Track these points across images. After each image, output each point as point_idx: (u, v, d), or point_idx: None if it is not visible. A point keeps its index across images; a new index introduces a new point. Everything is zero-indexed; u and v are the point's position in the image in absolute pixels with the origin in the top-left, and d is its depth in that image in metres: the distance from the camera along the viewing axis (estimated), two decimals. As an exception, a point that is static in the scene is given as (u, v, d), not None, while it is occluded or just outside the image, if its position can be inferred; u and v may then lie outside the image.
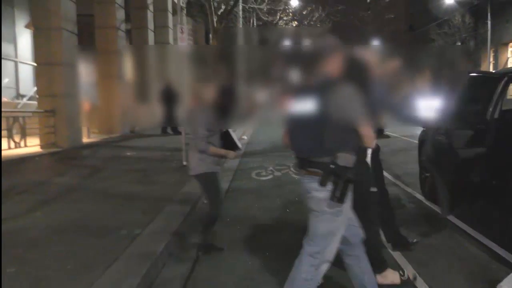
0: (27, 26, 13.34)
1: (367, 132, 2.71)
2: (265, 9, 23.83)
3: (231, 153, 4.35)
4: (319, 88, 2.70)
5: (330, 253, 2.93)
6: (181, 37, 8.58)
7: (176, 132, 14.55)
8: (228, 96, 3.72)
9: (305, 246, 2.94)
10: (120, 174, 7.67)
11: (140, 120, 15.80)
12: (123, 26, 14.16)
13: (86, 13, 13.08)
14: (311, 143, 2.73)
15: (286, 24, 29.81)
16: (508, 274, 3.28)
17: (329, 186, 2.69)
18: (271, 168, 8.71)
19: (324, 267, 2.98)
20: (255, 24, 26.01)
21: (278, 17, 27.31)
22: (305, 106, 2.71)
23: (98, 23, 13.41)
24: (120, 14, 14.04)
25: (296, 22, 30.68)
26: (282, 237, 4.85)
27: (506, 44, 32.54)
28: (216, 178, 4.41)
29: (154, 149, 10.74)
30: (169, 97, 13.24)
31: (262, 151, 11.09)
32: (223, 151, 4.27)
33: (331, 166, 2.66)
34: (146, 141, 12.61)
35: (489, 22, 30.66)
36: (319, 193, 2.74)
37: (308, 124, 2.72)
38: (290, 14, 29.57)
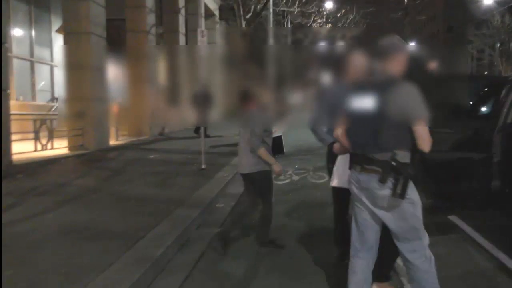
0: (58, 31, 13.76)
1: (425, 134, 2.67)
2: (296, 12, 23.71)
3: (277, 167, 4.53)
4: (381, 85, 2.75)
5: (426, 236, 2.96)
6: (201, 41, 8.60)
7: (206, 135, 14.69)
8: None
9: (403, 249, 2.94)
10: (139, 177, 7.78)
11: (170, 122, 16.11)
12: (153, 30, 14.40)
13: (118, 17, 13.38)
14: (370, 139, 2.76)
15: (320, 26, 29.56)
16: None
17: (389, 183, 2.72)
18: (290, 172, 8.62)
19: (429, 252, 2.96)
20: (288, 26, 25.95)
21: (312, 19, 27.12)
22: (366, 102, 2.77)
23: (129, 27, 13.67)
24: (151, 18, 14.28)
25: (330, 25, 30.37)
26: (288, 244, 4.80)
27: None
28: (271, 177, 4.62)
29: (178, 152, 10.85)
30: (203, 99, 13.28)
31: (285, 154, 10.99)
32: (272, 160, 4.47)
33: (393, 163, 2.69)
34: (173, 143, 12.77)
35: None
36: (381, 191, 2.77)
37: (368, 120, 2.76)
38: (324, 16, 29.29)
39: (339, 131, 3.05)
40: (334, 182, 4.04)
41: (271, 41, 19.73)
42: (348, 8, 29.24)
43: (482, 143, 4.31)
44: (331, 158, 4.11)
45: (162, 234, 4.76)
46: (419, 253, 2.91)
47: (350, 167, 2.99)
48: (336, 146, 3.98)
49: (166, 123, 14.80)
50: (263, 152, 4.43)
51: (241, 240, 4.99)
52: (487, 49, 37.57)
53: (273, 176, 4.75)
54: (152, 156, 10.19)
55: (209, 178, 7.64)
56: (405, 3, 38.56)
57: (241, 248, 4.75)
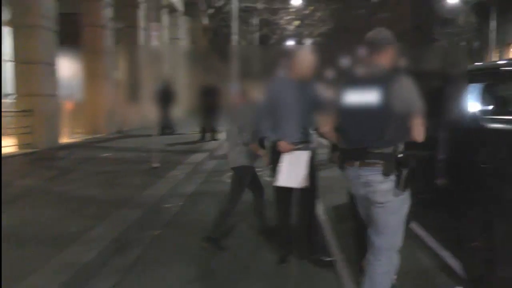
0: (6, 24, 13.20)
1: (421, 125, 2.74)
2: (261, 8, 23.56)
3: (266, 158, 4.42)
4: (382, 79, 2.74)
5: (400, 240, 2.98)
6: (155, 36, 8.31)
7: (170, 131, 14.42)
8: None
9: (376, 240, 2.94)
10: (86, 177, 7.47)
11: (129, 120, 15.57)
12: (111, 24, 13.97)
13: (73, 11, 12.92)
14: (371, 134, 2.74)
15: (288, 23, 29.55)
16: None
17: (392, 176, 2.75)
18: (246, 170, 8.44)
19: (397, 256, 3.01)
20: (255, 23, 25.79)
21: (279, 16, 27.06)
22: (368, 97, 2.73)
23: (85, 21, 13.21)
24: (108, 12, 13.84)
25: (298, 22, 30.37)
26: (230, 244, 4.64)
27: (510, 45, 31.91)
28: (250, 173, 4.59)
29: (133, 150, 10.53)
30: (166, 96, 12.99)
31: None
32: (262, 152, 4.43)
33: (399, 155, 2.73)
34: (130, 141, 12.40)
35: (491, 22, 30.11)
36: (383, 184, 2.76)
37: (368, 115, 2.73)
38: (291, 13, 29.22)
39: (326, 128, 3.06)
40: (279, 182, 3.89)
41: (235, 38, 19.71)
42: (316, 6, 29.26)
43: (429, 140, 4.24)
44: (275, 157, 3.95)
45: (97, 237, 4.50)
46: (390, 252, 2.95)
47: (344, 163, 2.95)
48: (283, 144, 3.84)
49: (125, 120, 14.47)
50: (254, 145, 4.43)
51: (182, 242, 4.79)
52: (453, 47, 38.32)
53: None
54: (104, 155, 9.85)
55: (160, 177, 7.38)
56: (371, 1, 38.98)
57: (182, 250, 4.55)
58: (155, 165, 8.23)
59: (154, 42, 8.45)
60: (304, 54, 3.92)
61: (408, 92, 2.70)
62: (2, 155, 8.79)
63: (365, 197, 2.92)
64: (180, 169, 8.24)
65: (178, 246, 4.67)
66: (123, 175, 7.58)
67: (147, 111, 17.90)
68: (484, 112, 3.64)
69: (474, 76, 3.94)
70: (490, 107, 3.59)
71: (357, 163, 2.84)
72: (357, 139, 2.84)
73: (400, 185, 2.75)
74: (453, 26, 35.73)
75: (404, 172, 2.74)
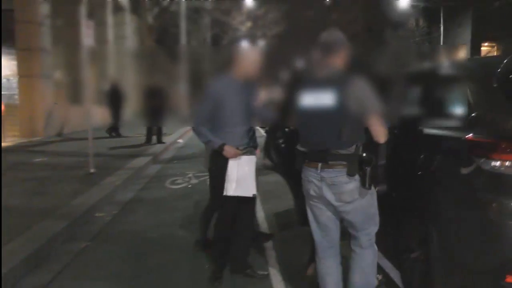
0: None
1: (381, 126, 2.75)
2: (210, 8, 23.23)
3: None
4: (338, 80, 2.73)
5: (378, 222, 3.03)
6: (87, 33, 7.79)
7: (117, 134, 13.94)
8: None
9: (361, 237, 2.97)
10: (12, 184, 6.88)
11: (71, 122, 14.75)
12: (48, 22, 13.23)
13: (6, 7, 12.12)
14: (332, 135, 2.73)
15: (241, 24, 29.32)
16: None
17: (356, 176, 2.76)
18: (190, 175, 8.08)
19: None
20: (206, 24, 25.43)
21: (231, 17, 26.79)
22: (324, 98, 2.72)
23: (18, 18, 12.41)
24: (44, 8, 13.08)
25: (250, 23, 30.21)
26: (161, 258, 4.31)
27: (458, 47, 33.01)
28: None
29: (70, 155, 9.92)
30: (115, 98, 12.22)
31: (191, 156, 10.47)
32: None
33: (364, 155, 2.74)
34: (69, 145, 11.71)
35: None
36: (349, 185, 2.78)
37: (325, 116, 2.73)
38: (243, 14, 29.02)
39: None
40: (228, 191, 3.57)
41: (184, 38, 19.29)
42: (267, 7, 29.15)
43: (370, 145, 4.06)
44: (219, 163, 3.64)
45: (12, 252, 4.06)
46: (372, 239, 3.01)
47: (305, 166, 2.92)
48: (229, 149, 3.53)
49: (66, 122, 13.74)
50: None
51: (109, 255, 4.41)
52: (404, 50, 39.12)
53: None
54: (37, 160, 9.24)
55: (94, 184, 6.92)
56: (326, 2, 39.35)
57: (107, 265, 4.17)
58: (91, 170, 7.75)
59: (88, 41, 7.87)
60: (248, 52, 3.68)
61: (363, 93, 2.69)
62: None
63: (329, 199, 2.86)
64: (118, 175, 7.79)
65: (103, 261, 4.29)
66: (54, 182, 7.05)
67: (91, 113, 17.26)
68: (423, 116, 3.46)
69: (414, 78, 3.79)
70: (430, 111, 3.41)
71: (320, 164, 2.81)
72: (317, 141, 2.83)
73: (365, 184, 2.76)
74: (404, 29, 36.66)
75: (368, 170, 2.74)
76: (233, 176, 3.57)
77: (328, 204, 2.89)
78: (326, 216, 2.98)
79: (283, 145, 4.03)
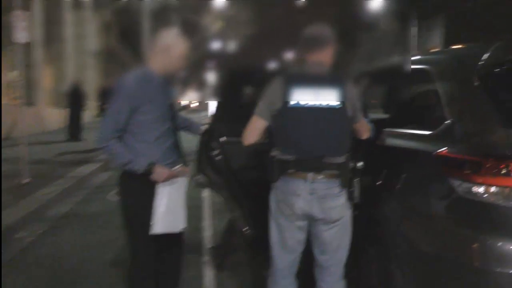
0: None
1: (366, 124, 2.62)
2: (176, 5, 22.41)
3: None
4: (336, 78, 2.48)
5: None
6: (21, 27, 6.87)
7: (78, 138, 13.15)
8: None
9: (332, 266, 2.57)
10: None
11: (23, 124, 13.57)
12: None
13: None
14: (331, 140, 2.45)
15: (211, 23, 28.60)
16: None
17: (344, 189, 2.49)
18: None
19: None
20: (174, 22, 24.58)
21: (200, 15, 26.05)
22: (325, 96, 2.42)
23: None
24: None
25: (222, 22, 29.53)
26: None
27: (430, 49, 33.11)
28: None
29: (11, 162, 8.98)
30: (76, 99, 11.33)
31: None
32: None
33: (358, 165, 2.59)
34: (14, 151, 10.73)
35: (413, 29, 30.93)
36: (339, 199, 2.47)
37: (325, 119, 2.43)
38: (214, 13, 28.35)
39: (252, 137, 2.54)
40: (157, 228, 2.69)
41: (147, 37, 18.35)
42: (239, 7, 28.54)
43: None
44: (139, 192, 2.74)
45: None
46: (342, 269, 2.60)
47: (287, 178, 2.48)
48: (161, 170, 2.66)
49: (14, 125, 12.73)
50: None
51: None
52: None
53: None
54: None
55: (23, 197, 6.08)
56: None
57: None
58: (25, 180, 6.89)
59: (21, 36, 6.95)
60: (173, 38, 2.75)
61: (355, 94, 2.49)
62: None
63: (316, 216, 2.47)
64: (56, 185, 6.95)
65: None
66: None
67: (46, 115, 16.33)
68: (386, 121, 2.80)
69: (377, 77, 3.14)
70: (393, 115, 2.75)
71: (311, 174, 2.41)
72: (311, 147, 2.44)
73: (353, 198, 2.55)
74: (376, 31, 36.61)
75: (356, 182, 2.55)
76: (163, 207, 2.70)
77: (314, 223, 2.50)
78: (297, 239, 2.56)
79: (218, 158, 3.32)
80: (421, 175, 2.26)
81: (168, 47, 2.71)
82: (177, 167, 2.77)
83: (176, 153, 2.86)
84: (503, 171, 1.85)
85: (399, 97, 2.84)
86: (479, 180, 1.91)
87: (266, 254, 2.74)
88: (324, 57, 2.53)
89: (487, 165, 1.89)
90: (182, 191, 2.83)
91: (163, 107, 2.76)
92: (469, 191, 1.94)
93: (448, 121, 2.18)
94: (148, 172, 2.61)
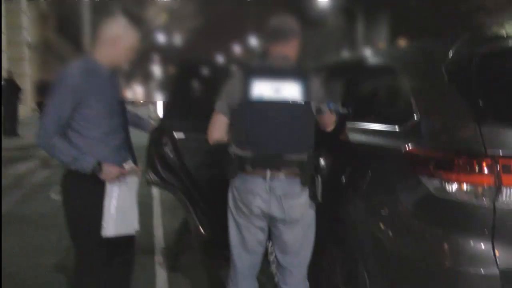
0: None
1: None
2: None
3: None
4: (299, 71, 2.38)
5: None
6: None
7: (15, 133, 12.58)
8: None
9: (294, 268, 2.47)
10: None
11: None
12: None
13: None
14: (291, 136, 2.32)
15: (155, 16, 28.05)
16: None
17: (305, 187, 2.38)
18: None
19: None
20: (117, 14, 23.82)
21: (144, 8, 25.44)
22: (286, 90, 2.30)
23: None
24: None
25: (166, 15, 29.04)
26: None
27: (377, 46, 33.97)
28: None
29: None
30: (10, 93, 10.59)
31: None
32: None
33: (322, 161, 2.51)
34: None
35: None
36: (300, 198, 2.36)
37: (288, 113, 2.31)
38: (158, 6, 27.79)
39: (216, 134, 2.42)
40: (108, 230, 2.46)
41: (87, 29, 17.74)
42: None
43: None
44: (85, 191, 2.49)
45: None
46: (305, 272, 2.51)
47: (245, 175, 2.36)
48: (110, 168, 2.42)
49: None
50: None
51: None
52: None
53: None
54: None
55: None
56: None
57: None
58: None
59: None
60: (122, 29, 2.50)
61: (320, 88, 2.38)
62: None
63: (276, 216, 2.36)
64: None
65: None
66: None
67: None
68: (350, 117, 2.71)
69: (334, 72, 3.06)
70: (354, 110, 2.66)
71: (269, 172, 2.30)
72: (270, 144, 2.32)
73: (316, 196, 2.40)
74: (323, 27, 37.13)
75: (318, 180, 2.39)
76: (114, 208, 2.49)
77: (273, 223, 2.40)
78: (257, 240, 2.46)
79: (171, 155, 3.14)
80: (388, 173, 2.17)
81: (116, 38, 2.48)
82: (128, 165, 2.57)
83: (126, 151, 2.65)
84: (476, 168, 1.80)
85: (359, 92, 2.76)
86: (451, 177, 1.85)
87: (222, 254, 2.66)
88: (288, 50, 2.43)
89: (459, 163, 1.84)
90: (134, 191, 2.63)
91: (111, 100, 2.53)
92: (441, 189, 1.88)
93: (416, 117, 2.10)
94: (95, 170, 2.39)
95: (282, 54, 2.40)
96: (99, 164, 2.39)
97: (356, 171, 2.42)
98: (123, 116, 2.65)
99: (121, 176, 2.49)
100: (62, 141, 2.38)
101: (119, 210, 2.49)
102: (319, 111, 2.40)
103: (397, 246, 2.06)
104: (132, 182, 2.60)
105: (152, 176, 3.27)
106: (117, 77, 2.62)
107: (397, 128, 2.21)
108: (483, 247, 1.81)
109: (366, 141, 2.46)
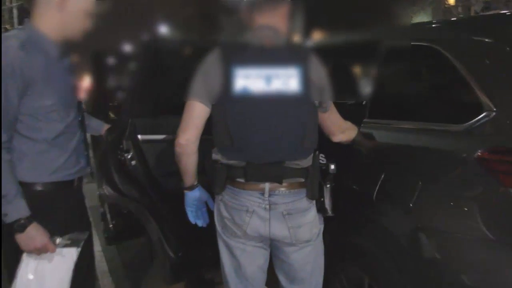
0: None
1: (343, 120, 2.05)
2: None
3: None
4: (294, 52, 1.82)
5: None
6: None
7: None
8: None
9: None
10: None
11: None
12: None
13: None
14: (292, 139, 1.78)
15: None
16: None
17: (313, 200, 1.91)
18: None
19: None
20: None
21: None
22: (282, 80, 1.72)
23: None
24: None
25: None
26: None
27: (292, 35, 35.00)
28: None
29: None
30: None
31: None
32: None
33: (332, 167, 1.92)
34: None
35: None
36: (309, 214, 1.86)
37: (283, 110, 1.76)
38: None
39: (190, 132, 1.80)
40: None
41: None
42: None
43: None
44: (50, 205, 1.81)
45: None
46: None
47: (236, 189, 1.83)
48: (36, 234, 1.71)
49: None
50: None
51: None
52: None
53: None
54: None
55: None
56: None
57: None
58: None
59: None
60: None
61: (323, 75, 1.81)
62: None
63: (280, 238, 1.86)
64: None
65: None
66: None
67: None
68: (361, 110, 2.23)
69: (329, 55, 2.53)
70: (373, 102, 2.18)
71: (268, 185, 1.80)
72: (266, 149, 1.79)
73: (326, 210, 1.94)
74: (237, 15, 37.47)
75: (326, 188, 1.93)
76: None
77: (277, 243, 1.89)
78: (257, 266, 1.95)
79: (133, 162, 2.48)
80: (450, 183, 1.68)
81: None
82: (61, 242, 1.79)
83: (84, 157, 1.99)
84: None
85: (377, 81, 2.25)
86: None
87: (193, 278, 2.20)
88: (277, 20, 1.84)
89: None
90: (66, 271, 1.82)
91: (64, 87, 1.84)
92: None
93: (485, 113, 1.63)
94: (17, 227, 1.68)
95: (268, 25, 1.83)
96: (29, 219, 1.69)
97: (395, 180, 1.91)
98: (80, 109, 1.97)
99: (50, 251, 1.75)
100: (8, 160, 1.69)
101: None
102: (322, 105, 1.89)
103: (470, 280, 1.59)
104: (68, 258, 1.81)
105: (107, 191, 2.59)
106: (68, 55, 1.89)
107: (456, 126, 1.73)
108: None
109: (404, 142, 1.96)
